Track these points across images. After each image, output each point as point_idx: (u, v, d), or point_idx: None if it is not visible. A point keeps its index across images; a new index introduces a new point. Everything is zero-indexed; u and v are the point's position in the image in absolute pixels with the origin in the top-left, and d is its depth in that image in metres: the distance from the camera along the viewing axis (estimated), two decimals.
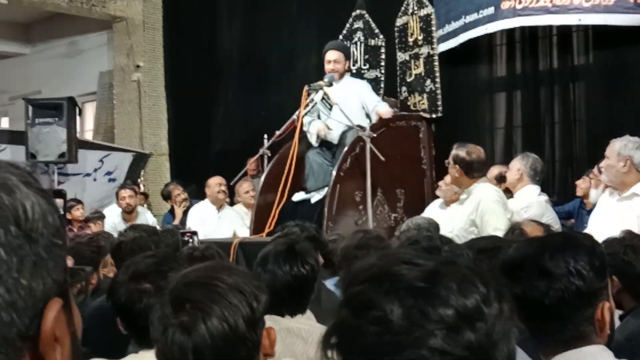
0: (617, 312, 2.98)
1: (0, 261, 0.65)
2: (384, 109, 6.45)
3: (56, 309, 0.68)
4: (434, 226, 4.38)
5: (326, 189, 6.11)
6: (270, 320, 2.49)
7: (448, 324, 0.94)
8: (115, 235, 4.18)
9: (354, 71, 6.73)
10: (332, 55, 6.45)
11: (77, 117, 9.18)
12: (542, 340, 1.70)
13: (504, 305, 1.01)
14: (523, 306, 1.63)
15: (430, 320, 0.94)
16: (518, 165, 5.27)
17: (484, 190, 4.89)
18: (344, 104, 6.10)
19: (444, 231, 4.44)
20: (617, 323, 2.89)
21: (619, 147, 4.30)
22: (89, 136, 11.49)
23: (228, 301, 1.53)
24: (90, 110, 12.00)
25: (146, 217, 7.80)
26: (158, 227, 5.65)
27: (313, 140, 6.40)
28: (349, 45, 7.35)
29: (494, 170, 6.00)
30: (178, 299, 1.54)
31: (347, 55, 6.68)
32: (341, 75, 6.45)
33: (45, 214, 0.70)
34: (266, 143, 6.40)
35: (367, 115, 6.46)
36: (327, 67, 6.41)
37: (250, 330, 1.55)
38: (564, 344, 1.65)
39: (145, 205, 8.98)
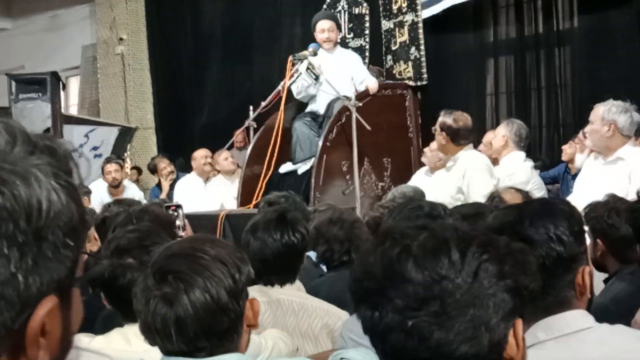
0: (603, 275, 3.01)
1: (1, 254, 0.64)
2: (373, 85, 6.43)
3: (48, 308, 0.68)
4: (419, 194, 4.39)
5: (313, 159, 6.10)
6: (259, 292, 2.51)
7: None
8: None
9: (339, 40, 6.68)
10: (325, 24, 6.39)
11: (61, 92, 9.10)
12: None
13: (483, 270, 1.05)
14: None
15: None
16: (503, 132, 5.27)
17: (470, 158, 4.91)
18: (332, 74, 6.07)
19: (431, 198, 4.45)
20: (601, 286, 2.92)
21: (603, 111, 4.29)
22: (73, 111, 11.40)
23: (210, 272, 1.53)
24: (74, 85, 11.90)
25: (132, 191, 7.78)
26: (144, 201, 5.63)
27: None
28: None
29: (489, 135, 5.97)
30: (160, 271, 1.54)
31: (339, 25, 6.65)
32: (335, 45, 6.42)
33: (61, 213, 0.68)
34: (252, 114, 6.37)
35: (354, 87, 6.44)
36: (321, 36, 6.35)
37: (232, 301, 1.56)
38: (545, 310, 1.65)
39: (138, 180, 8.96)
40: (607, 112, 4.26)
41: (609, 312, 2.48)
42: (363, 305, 1.09)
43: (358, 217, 3.75)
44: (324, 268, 3.55)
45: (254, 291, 2.32)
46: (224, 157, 7.33)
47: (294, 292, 2.67)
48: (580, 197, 3.93)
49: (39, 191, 0.66)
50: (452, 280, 1.03)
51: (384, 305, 1.05)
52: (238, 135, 7.71)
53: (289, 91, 6.26)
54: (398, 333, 1.04)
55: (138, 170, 9.43)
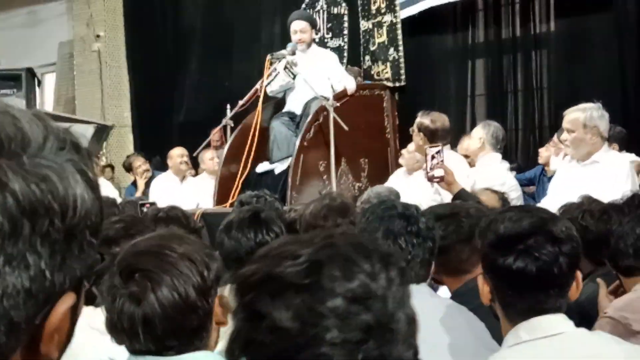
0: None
1: (34, 251, 0.63)
2: (351, 85, 6.40)
3: (68, 304, 0.68)
4: (394, 194, 4.39)
5: (290, 159, 6.08)
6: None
7: (340, 313, 0.94)
8: None
9: (317, 40, 6.67)
10: (297, 25, 6.36)
11: (37, 88, 9.03)
12: (513, 308, 1.71)
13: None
14: (510, 279, 1.65)
15: (320, 315, 0.94)
16: (480, 134, 5.28)
17: (447, 159, 4.90)
18: (309, 74, 6.05)
19: (409, 199, 4.44)
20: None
21: (584, 118, 4.20)
22: (49, 108, 11.28)
23: (178, 270, 1.51)
24: (50, 81, 11.78)
25: (106, 189, 7.71)
26: (119, 199, 5.59)
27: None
28: (312, 13, 7.28)
29: (465, 141, 5.96)
30: (127, 269, 1.52)
31: (313, 24, 6.59)
32: (308, 46, 6.39)
33: (90, 212, 0.68)
34: (229, 113, 6.34)
35: (332, 87, 6.41)
36: (294, 37, 6.33)
37: (201, 298, 1.54)
38: (537, 312, 1.68)
39: (112, 178, 8.88)
40: (590, 119, 4.20)
41: (584, 312, 2.50)
42: None
43: (352, 212, 3.62)
44: None
45: (226, 292, 2.30)
46: (210, 157, 7.28)
47: None
48: (555, 199, 3.95)
49: (73, 189, 0.66)
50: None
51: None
52: (215, 134, 7.66)
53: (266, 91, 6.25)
54: None
55: (111, 167, 9.34)
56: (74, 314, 0.71)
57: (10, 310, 0.63)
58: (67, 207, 0.65)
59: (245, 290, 1.00)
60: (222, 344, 2.05)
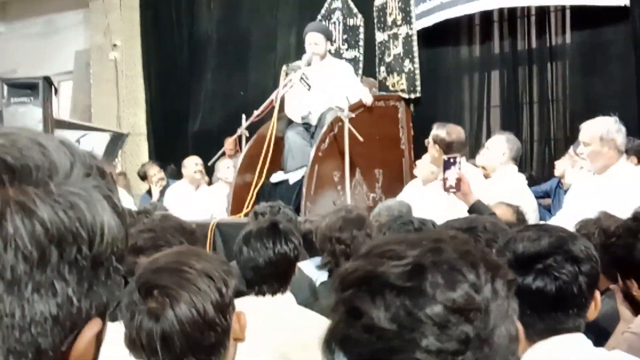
0: None
1: (61, 278, 0.64)
2: (367, 98, 6.40)
3: (95, 331, 0.69)
4: (405, 207, 4.38)
5: (304, 169, 6.09)
6: (250, 302, 2.50)
7: (438, 322, 0.92)
8: None
9: (332, 51, 6.68)
10: (311, 37, 6.36)
11: (54, 97, 9.06)
12: (531, 328, 1.70)
13: (497, 284, 0.98)
14: (529, 299, 1.64)
15: (419, 321, 0.92)
16: (503, 149, 5.19)
17: (462, 169, 4.89)
18: (324, 85, 6.06)
19: (423, 211, 4.44)
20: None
21: (602, 132, 4.17)
22: (65, 116, 11.35)
23: (197, 287, 1.52)
24: (67, 90, 11.85)
25: (122, 197, 7.72)
26: (134, 208, 5.60)
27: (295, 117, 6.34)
28: (327, 25, 7.29)
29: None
30: (146, 285, 1.53)
31: (328, 36, 6.58)
32: (322, 57, 6.40)
33: (116, 239, 0.68)
34: (244, 123, 6.36)
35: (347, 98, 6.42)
36: (308, 48, 6.34)
37: (219, 315, 1.54)
38: (556, 331, 1.67)
39: (125, 185, 8.90)
40: (607, 133, 4.17)
41: (601, 329, 2.48)
42: None
43: (368, 224, 3.62)
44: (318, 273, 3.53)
45: (244, 302, 2.31)
46: (227, 166, 7.30)
47: (284, 303, 2.66)
48: (571, 212, 3.92)
49: (101, 216, 0.66)
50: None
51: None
52: (229, 144, 7.69)
53: (282, 100, 6.26)
54: None
55: (123, 175, 9.37)
56: (98, 339, 0.71)
57: (38, 337, 0.64)
58: (94, 235, 0.65)
59: (345, 286, 0.99)
60: None
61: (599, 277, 1.75)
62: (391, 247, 1.00)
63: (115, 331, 1.62)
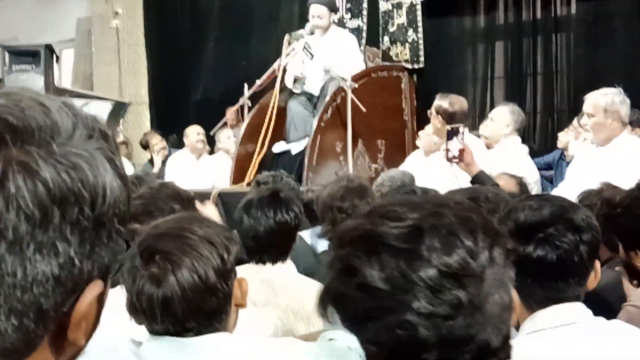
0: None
1: (63, 238, 0.63)
2: (347, 75, 6.00)
3: (96, 292, 0.69)
4: (408, 178, 4.38)
5: (307, 139, 6.07)
6: (251, 271, 2.50)
7: (431, 285, 0.92)
8: None
9: (336, 21, 6.61)
10: (314, 9, 6.26)
11: (55, 65, 9.03)
12: (531, 296, 1.70)
13: (495, 252, 0.98)
14: (530, 268, 1.64)
15: (412, 282, 0.92)
16: (507, 120, 5.18)
17: (465, 140, 4.88)
18: (327, 55, 6.02)
19: (426, 181, 4.44)
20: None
21: (606, 103, 4.16)
22: (67, 84, 11.31)
23: (198, 252, 1.52)
24: (68, 58, 11.80)
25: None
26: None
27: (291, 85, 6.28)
28: None
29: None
30: (147, 251, 1.53)
31: (332, 8, 6.42)
32: (325, 30, 6.33)
33: (118, 200, 0.68)
34: (246, 92, 6.33)
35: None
36: (312, 21, 6.28)
37: (221, 281, 1.54)
38: (556, 300, 1.67)
39: (127, 154, 8.90)
40: (611, 104, 4.15)
41: (601, 299, 2.49)
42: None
43: (370, 194, 3.60)
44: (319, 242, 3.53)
45: (245, 269, 2.31)
46: (227, 136, 7.29)
47: (285, 271, 2.67)
48: (573, 184, 3.92)
49: (103, 177, 0.66)
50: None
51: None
52: (231, 113, 7.66)
53: (284, 70, 6.22)
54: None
55: (125, 143, 9.36)
56: (100, 301, 0.71)
57: (39, 297, 0.64)
58: (96, 195, 0.65)
59: (343, 244, 0.99)
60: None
61: (599, 246, 1.75)
62: (393, 208, 1.00)
63: (116, 298, 1.63)
